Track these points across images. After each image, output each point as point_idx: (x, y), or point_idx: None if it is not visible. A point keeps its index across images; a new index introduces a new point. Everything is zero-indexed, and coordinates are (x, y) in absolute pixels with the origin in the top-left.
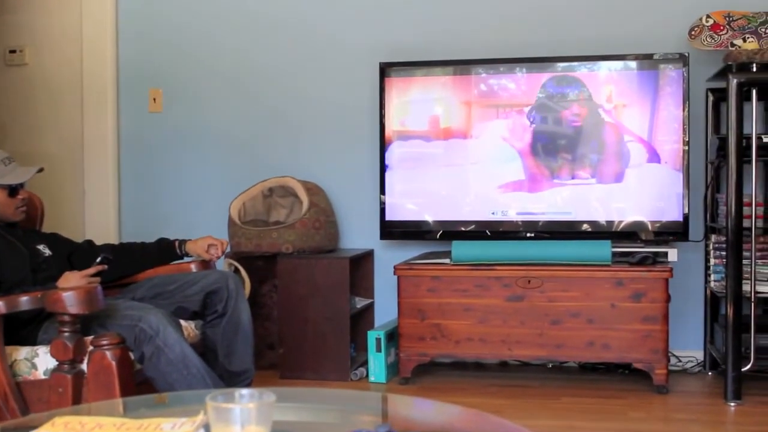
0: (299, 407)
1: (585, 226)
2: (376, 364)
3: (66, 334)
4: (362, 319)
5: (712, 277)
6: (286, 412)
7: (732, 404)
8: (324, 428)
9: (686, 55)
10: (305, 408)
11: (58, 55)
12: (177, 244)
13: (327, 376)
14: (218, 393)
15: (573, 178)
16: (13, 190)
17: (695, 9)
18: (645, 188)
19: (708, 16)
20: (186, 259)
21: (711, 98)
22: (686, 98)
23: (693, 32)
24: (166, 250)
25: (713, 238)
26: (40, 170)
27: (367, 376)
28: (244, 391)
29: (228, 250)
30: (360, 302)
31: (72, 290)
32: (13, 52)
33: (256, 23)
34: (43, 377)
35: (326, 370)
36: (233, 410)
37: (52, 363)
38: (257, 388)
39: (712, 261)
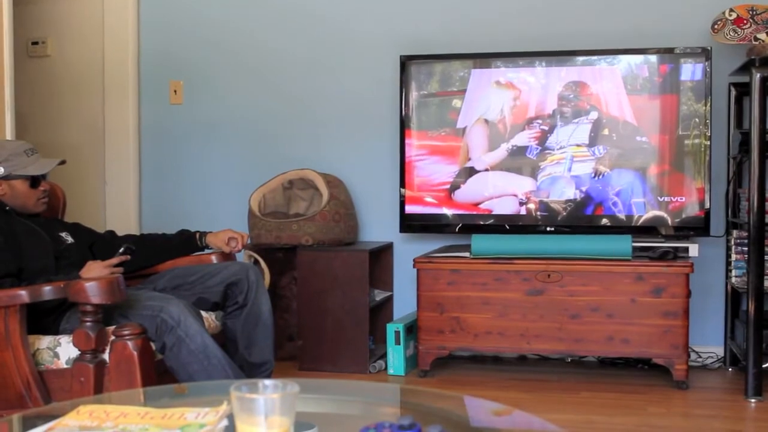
0: (321, 398)
1: (605, 221)
2: (395, 357)
3: (88, 323)
4: (381, 311)
5: (733, 272)
6: (308, 403)
7: (752, 400)
8: (346, 420)
9: (709, 49)
10: (327, 399)
11: (80, 47)
12: (198, 236)
13: (346, 369)
14: (242, 383)
15: (593, 171)
16: (35, 181)
17: (718, 3)
18: (666, 183)
19: (731, 10)
20: (207, 251)
21: (734, 92)
22: (708, 92)
23: (716, 26)
24: (187, 242)
25: (735, 233)
26: (62, 162)
27: (385, 368)
28: (268, 381)
29: (248, 242)
30: (379, 295)
31: (95, 280)
32: (35, 43)
33: (277, 15)
34: (65, 366)
35: (345, 362)
36: (257, 400)
37: (74, 352)
38: (281, 379)
39: (734, 256)
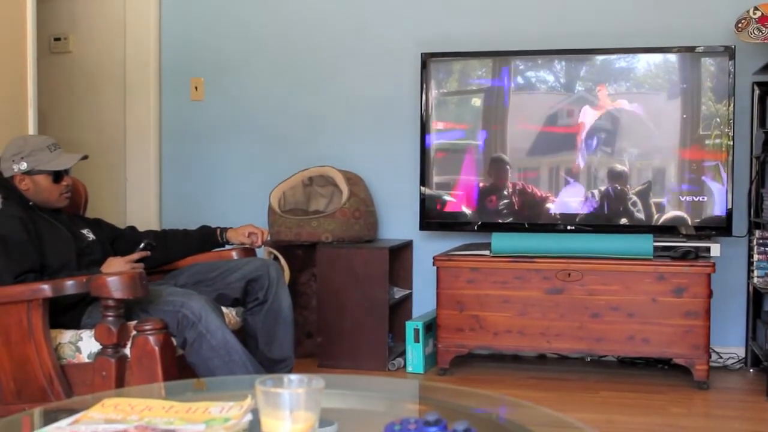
0: (344, 394)
1: (624, 220)
2: (414, 355)
3: (110, 318)
4: (400, 309)
5: (755, 272)
6: (332, 399)
7: None
8: (371, 416)
9: (732, 47)
10: (349, 395)
11: (102, 44)
12: (218, 231)
13: (364, 366)
14: (267, 377)
15: (612, 170)
16: (57, 176)
17: (742, 1)
18: (687, 182)
19: (756, 8)
20: (227, 247)
21: (757, 92)
22: (732, 92)
23: (740, 24)
24: (208, 238)
25: (757, 233)
26: (85, 157)
27: (404, 366)
28: (293, 376)
29: (268, 239)
30: (398, 292)
31: (117, 275)
32: (57, 39)
33: (298, 14)
34: (87, 361)
35: (364, 359)
36: (282, 395)
37: (96, 347)
38: (306, 374)
39: (756, 256)
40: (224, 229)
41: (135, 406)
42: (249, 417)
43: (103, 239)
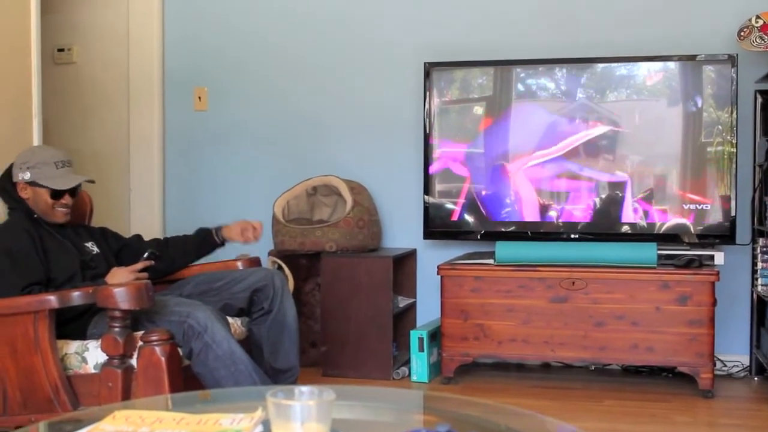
0: (353, 405)
1: (627, 228)
2: (419, 364)
3: (116, 329)
4: (404, 318)
5: (759, 280)
6: (341, 410)
7: None
8: (382, 427)
9: (735, 56)
10: (359, 406)
11: (106, 54)
12: (214, 231)
13: (369, 375)
14: (278, 389)
15: (614, 179)
16: (56, 194)
17: (745, 10)
18: (690, 191)
19: (758, 17)
20: (230, 255)
21: (760, 100)
22: (734, 100)
23: (742, 33)
24: (205, 238)
25: (761, 241)
26: (90, 181)
27: (409, 375)
28: (304, 388)
29: (264, 239)
30: (402, 301)
31: (123, 286)
32: (61, 50)
33: (301, 22)
34: (93, 371)
35: (368, 368)
36: (294, 407)
37: (102, 357)
38: (317, 386)
39: (760, 264)
40: (219, 228)
41: (146, 418)
42: (260, 429)
43: (108, 252)
